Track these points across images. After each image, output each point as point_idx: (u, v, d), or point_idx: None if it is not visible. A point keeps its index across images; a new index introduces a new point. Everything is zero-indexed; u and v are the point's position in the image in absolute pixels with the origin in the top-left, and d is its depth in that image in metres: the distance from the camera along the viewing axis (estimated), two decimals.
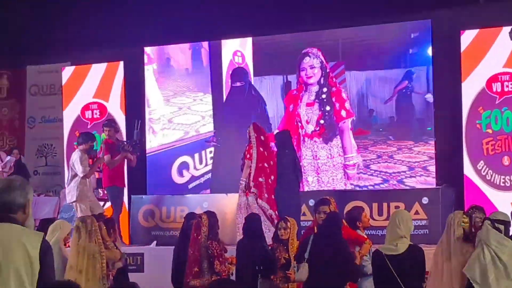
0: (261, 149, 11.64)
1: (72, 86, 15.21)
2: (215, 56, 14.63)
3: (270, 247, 9.12)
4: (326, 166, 13.37)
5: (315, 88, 13.71)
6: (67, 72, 15.38)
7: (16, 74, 17.01)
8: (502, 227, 7.47)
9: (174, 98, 14.91)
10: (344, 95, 13.50)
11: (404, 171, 12.85)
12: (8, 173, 15.26)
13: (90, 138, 12.65)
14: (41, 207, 14.39)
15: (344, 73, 13.42)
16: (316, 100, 13.62)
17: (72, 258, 8.60)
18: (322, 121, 13.50)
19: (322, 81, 13.67)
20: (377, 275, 7.11)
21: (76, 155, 12.28)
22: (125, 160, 13.03)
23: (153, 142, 14.85)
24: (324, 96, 13.56)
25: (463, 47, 12.16)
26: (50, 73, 16.40)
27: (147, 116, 14.75)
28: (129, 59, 14.90)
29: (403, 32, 13.20)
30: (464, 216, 7.79)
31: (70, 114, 15.21)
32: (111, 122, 13.52)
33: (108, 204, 13.24)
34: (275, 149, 11.54)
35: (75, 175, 12.20)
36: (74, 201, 12.26)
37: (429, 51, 12.75)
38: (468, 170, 12.00)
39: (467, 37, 12.18)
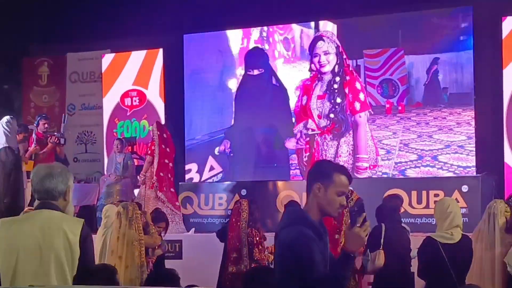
0: (163, 146, 12.71)
1: (112, 73, 15.31)
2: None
3: None
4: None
5: (328, 77, 13.12)
6: (107, 59, 15.47)
7: (56, 61, 17.09)
8: None
9: None
10: (358, 85, 12.97)
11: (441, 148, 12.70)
12: None
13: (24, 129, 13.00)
14: (81, 194, 14.48)
15: (403, 57, 12.85)
16: (327, 91, 13.03)
17: (113, 244, 8.68)
18: (332, 115, 12.92)
19: (336, 70, 13.09)
20: (429, 263, 7.01)
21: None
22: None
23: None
24: (336, 86, 12.95)
25: (504, 33, 12.02)
26: (90, 60, 16.46)
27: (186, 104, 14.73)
28: (168, 46, 14.93)
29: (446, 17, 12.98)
30: (506, 205, 7.71)
31: (109, 102, 15.31)
32: (47, 116, 14.22)
33: None
34: None
35: None
36: None
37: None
38: (509, 158, 11.87)
39: (509, 23, 12.03)
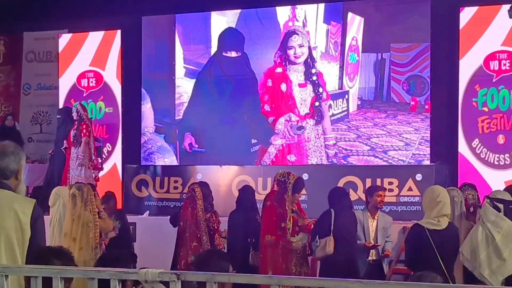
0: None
1: (69, 54, 15.14)
2: None
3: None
4: (315, 147, 13.26)
5: (301, 68, 13.39)
6: (64, 39, 15.30)
7: (13, 40, 16.90)
8: (501, 206, 7.45)
9: None
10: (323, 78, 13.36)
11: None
12: None
13: None
14: (34, 175, 14.36)
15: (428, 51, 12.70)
16: (308, 82, 13.31)
17: (67, 225, 8.63)
18: (317, 103, 13.25)
19: (309, 61, 13.38)
20: (416, 249, 7.05)
21: None
22: None
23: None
24: (315, 78, 13.29)
25: (461, 24, 12.12)
26: (47, 40, 16.30)
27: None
28: (126, 28, 14.82)
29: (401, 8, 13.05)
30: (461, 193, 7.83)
31: (66, 82, 15.14)
32: None
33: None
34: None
35: None
36: None
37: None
38: (462, 148, 12.00)
39: (466, 14, 12.13)
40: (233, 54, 14.12)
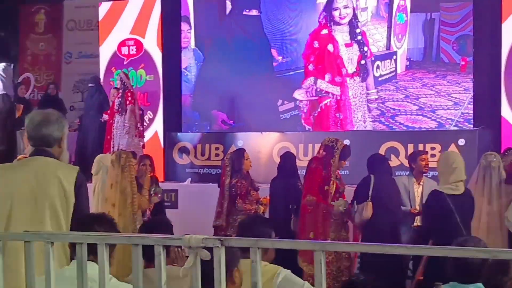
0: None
1: (109, 22, 15.17)
2: None
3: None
4: (360, 102, 13.23)
5: (346, 28, 13.35)
6: (104, 7, 15.32)
7: (53, 9, 17.01)
8: None
9: None
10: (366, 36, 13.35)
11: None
12: None
13: None
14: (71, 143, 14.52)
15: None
16: (353, 41, 13.27)
17: (107, 191, 8.70)
18: (363, 62, 13.22)
19: (353, 21, 13.31)
20: (437, 214, 7.13)
21: None
22: None
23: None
24: (359, 37, 13.24)
25: None
26: (87, 8, 16.39)
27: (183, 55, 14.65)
28: None
29: None
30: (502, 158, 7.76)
31: (106, 50, 15.19)
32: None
33: None
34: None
35: None
36: None
37: None
38: (506, 112, 11.85)
39: None
40: (254, 12, 14.12)
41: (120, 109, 12.75)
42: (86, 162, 11.31)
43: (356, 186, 8.57)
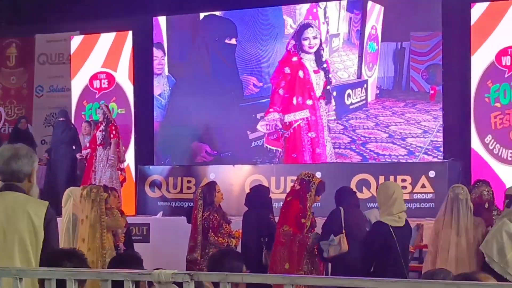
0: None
1: (81, 55, 15.16)
2: None
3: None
4: (324, 123, 13.46)
5: (312, 57, 13.58)
6: (76, 41, 15.32)
7: (25, 43, 16.96)
8: None
9: None
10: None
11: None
12: None
13: None
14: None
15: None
16: (320, 68, 13.50)
17: (78, 227, 8.68)
18: (328, 87, 13.44)
19: (320, 50, 13.52)
20: (381, 247, 7.09)
21: None
22: None
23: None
24: (325, 65, 13.49)
25: (473, 20, 12.08)
26: (58, 42, 16.35)
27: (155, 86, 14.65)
28: (138, 29, 14.83)
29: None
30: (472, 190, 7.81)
31: (78, 84, 15.16)
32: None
33: None
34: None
35: None
36: None
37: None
38: (475, 144, 11.95)
39: (478, 10, 12.08)
40: (233, 41, 14.27)
41: (104, 143, 12.78)
42: (56, 196, 11.26)
43: (325, 218, 8.57)
